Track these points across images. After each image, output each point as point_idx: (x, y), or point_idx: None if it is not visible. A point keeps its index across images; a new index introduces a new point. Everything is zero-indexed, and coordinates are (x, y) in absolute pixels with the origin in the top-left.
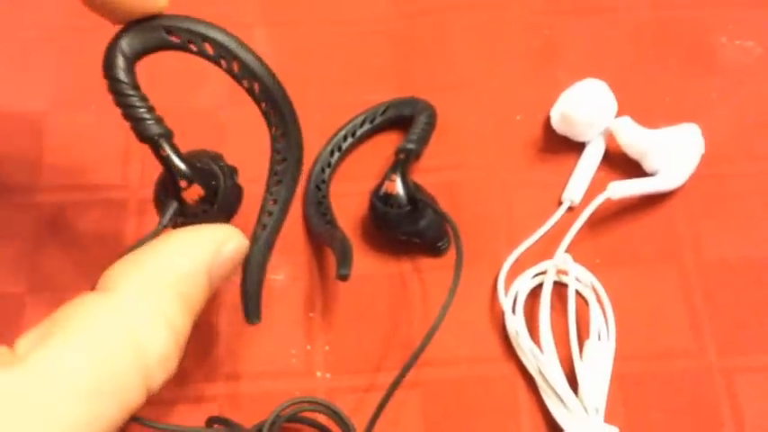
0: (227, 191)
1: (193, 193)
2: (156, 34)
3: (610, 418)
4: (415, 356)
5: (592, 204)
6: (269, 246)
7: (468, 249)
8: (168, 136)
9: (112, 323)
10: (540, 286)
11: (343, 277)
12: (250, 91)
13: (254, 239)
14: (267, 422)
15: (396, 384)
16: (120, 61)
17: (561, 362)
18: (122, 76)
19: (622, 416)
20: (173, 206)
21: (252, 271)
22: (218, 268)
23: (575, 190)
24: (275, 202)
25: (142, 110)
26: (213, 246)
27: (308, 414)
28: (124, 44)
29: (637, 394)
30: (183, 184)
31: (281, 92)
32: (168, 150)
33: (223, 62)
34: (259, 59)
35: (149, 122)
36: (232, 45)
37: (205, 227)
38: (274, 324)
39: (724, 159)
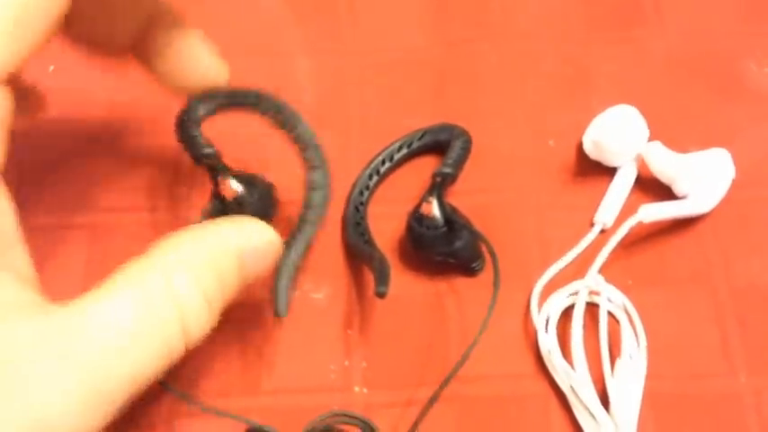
0: (264, 192)
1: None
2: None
3: None
4: (454, 372)
5: (623, 226)
6: (299, 251)
7: (503, 269)
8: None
9: (154, 279)
10: (572, 307)
11: (381, 294)
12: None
13: (287, 244)
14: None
15: (433, 400)
16: (194, 123)
17: (593, 380)
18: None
19: None
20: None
21: (282, 271)
22: (249, 255)
23: (606, 213)
24: (308, 211)
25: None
26: (245, 233)
27: (343, 426)
28: (199, 108)
29: (667, 413)
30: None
31: (311, 135)
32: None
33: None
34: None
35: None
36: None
37: (240, 218)
38: (314, 340)
39: (754, 184)
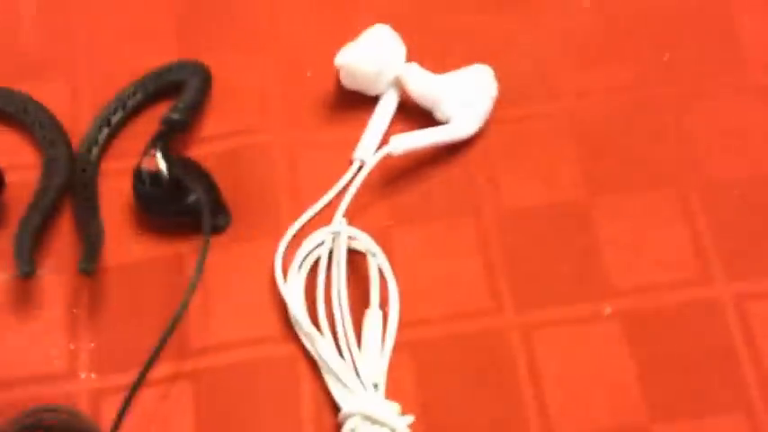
0: None
1: None
2: None
3: (398, 391)
4: (158, 349)
5: (369, 162)
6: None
7: (251, 222)
8: None
9: None
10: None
11: (86, 271)
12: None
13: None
14: None
15: (138, 383)
16: None
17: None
18: None
19: (412, 386)
20: None
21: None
22: None
23: (365, 148)
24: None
25: None
26: None
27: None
28: None
29: (429, 362)
30: None
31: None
32: None
33: None
34: None
35: None
36: None
37: None
38: (32, 323)
39: (522, 100)
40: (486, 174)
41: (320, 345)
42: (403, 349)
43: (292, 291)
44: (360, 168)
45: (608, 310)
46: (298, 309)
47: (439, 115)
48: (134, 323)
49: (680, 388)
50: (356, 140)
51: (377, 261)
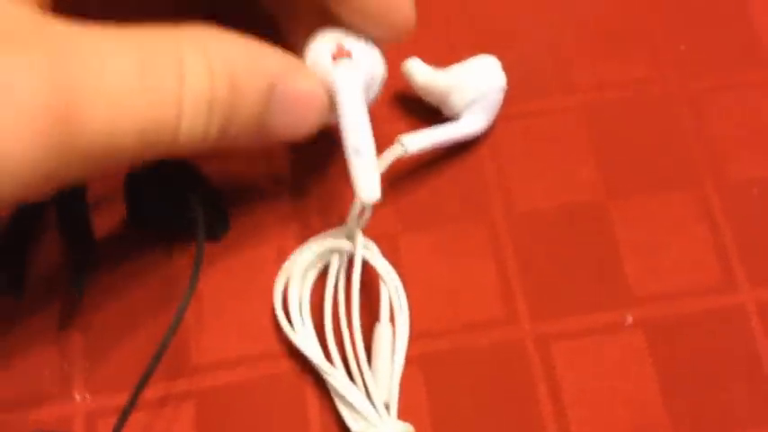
0: None
1: None
2: None
3: (409, 408)
4: (151, 369)
5: (381, 162)
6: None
7: (250, 229)
8: None
9: (168, 46)
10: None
11: (77, 290)
12: None
13: None
14: None
15: (131, 404)
16: None
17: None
18: None
19: (424, 404)
20: None
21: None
22: (284, 95)
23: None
24: None
25: None
26: (292, 71)
27: None
28: None
29: (440, 377)
30: None
31: None
32: None
33: None
34: None
35: None
36: None
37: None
38: (20, 342)
39: (535, 94)
40: (497, 174)
41: (331, 374)
42: (413, 364)
43: (304, 336)
44: None
45: (629, 319)
46: (309, 350)
47: (446, 111)
48: (129, 340)
49: (705, 402)
50: None
51: (390, 281)
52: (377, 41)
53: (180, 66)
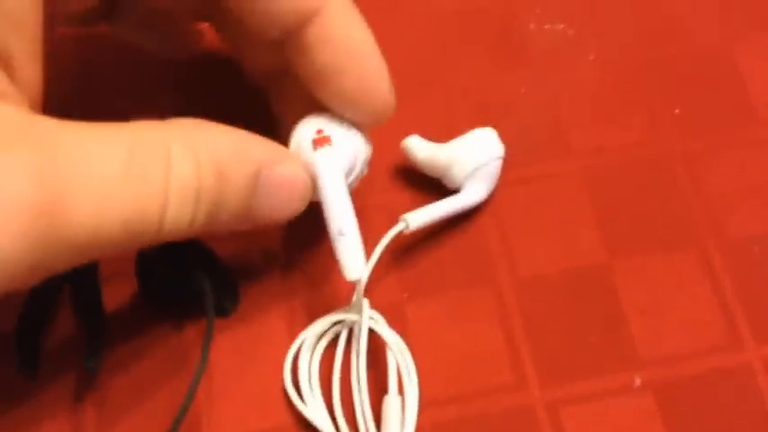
0: None
1: None
2: None
3: None
4: None
5: (384, 239)
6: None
7: (260, 303)
8: None
9: (156, 141)
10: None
11: (90, 370)
12: None
13: None
14: None
15: None
16: None
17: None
18: None
19: None
20: None
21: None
22: (270, 180)
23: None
24: None
25: None
26: (275, 156)
27: None
28: None
29: None
30: None
31: None
32: None
33: None
34: None
35: None
36: None
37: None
38: (36, 416)
39: (534, 160)
40: (500, 240)
41: None
42: None
43: (314, 409)
44: None
45: (638, 380)
46: (320, 423)
47: (448, 183)
48: (142, 415)
49: None
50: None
51: (397, 350)
52: (359, 125)
53: (167, 156)
